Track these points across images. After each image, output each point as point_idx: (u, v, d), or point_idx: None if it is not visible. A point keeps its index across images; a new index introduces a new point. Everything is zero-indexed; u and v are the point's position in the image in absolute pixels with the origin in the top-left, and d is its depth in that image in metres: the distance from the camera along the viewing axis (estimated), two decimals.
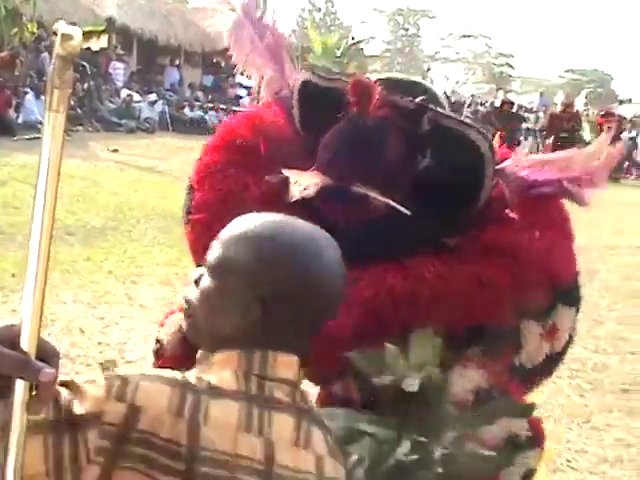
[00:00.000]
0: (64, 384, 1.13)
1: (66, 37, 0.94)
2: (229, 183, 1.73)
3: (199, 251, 1.63)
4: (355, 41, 26.14)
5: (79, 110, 15.65)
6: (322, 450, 1.26)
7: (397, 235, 1.61)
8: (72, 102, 16.43)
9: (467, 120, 1.74)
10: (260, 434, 1.18)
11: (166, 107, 19.06)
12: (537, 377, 1.76)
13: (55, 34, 0.96)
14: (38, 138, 13.77)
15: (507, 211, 1.68)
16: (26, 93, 14.92)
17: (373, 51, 39.27)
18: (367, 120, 1.66)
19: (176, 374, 1.20)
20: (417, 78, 1.93)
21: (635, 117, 26.35)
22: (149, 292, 5.74)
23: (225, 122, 1.91)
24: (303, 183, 1.60)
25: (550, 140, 21.20)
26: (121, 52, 20.60)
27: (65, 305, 5.21)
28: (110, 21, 19.69)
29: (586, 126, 22.40)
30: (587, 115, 25.44)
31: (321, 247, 1.28)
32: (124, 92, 18.59)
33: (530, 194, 1.67)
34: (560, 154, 1.78)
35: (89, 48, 19.61)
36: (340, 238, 1.35)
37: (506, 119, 21.69)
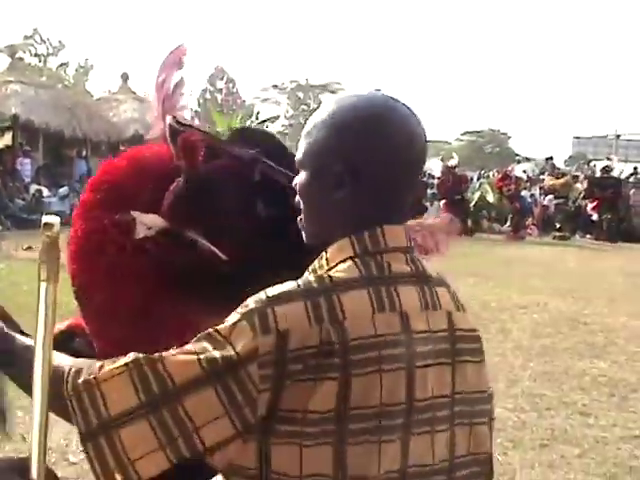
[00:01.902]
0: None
1: (48, 225, 1.21)
2: (91, 223, 1.76)
3: (73, 278, 1.74)
4: (259, 121, 26.64)
5: None
6: (450, 306, 1.39)
7: (239, 280, 1.65)
8: None
9: (290, 173, 1.85)
10: (393, 310, 1.29)
11: (76, 200, 19.04)
12: None
13: None
14: None
15: None
16: None
17: (276, 128, 39.99)
18: (200, 170, 1.74)
19: (298, 283, 1.29)
20: (270, 130, 2.05)
21: (534, 175, 27.51)
22: None
23: (105, 161, 1.93)
24: (147, 223, 1.70)
25: (442, 203, 21.97)
26: (28, 148, 20.56)
27: None
28: (14, 118, 19.71)
29: (487, 188, 23.26)
30: (487, 177, 26.42)
31: (402, 114, 1.37)
32: (33, 187, 18.55)
33: None
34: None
35: None
36: (177, 279, 1.58)
37: None
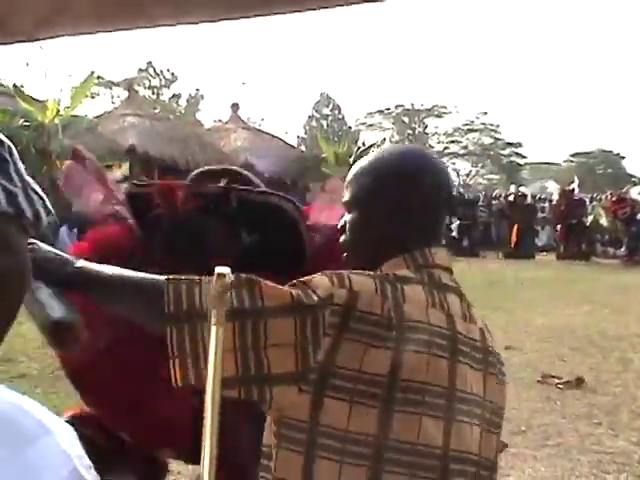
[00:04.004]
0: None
1: (221, 275, 1.29)
2: None
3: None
4: (366, 147, 26.77)
5: None
6: (481, 324, 1.58)
7: None
8: None
9: (267, 189, 1.95)
10: (442, 309, 1.48)
11: None
12: None
13: None
14: None
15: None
16: (60, 226, 15.44)
17: None
18: (179, 215, 1.84)
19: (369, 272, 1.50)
20: (226, 165, 2.11)
21: None
22: None
23: (75, 245, 2.06)
24: None
25: (558, 228, 21.57)
26: (144, 178, 21.19)
27: None
28: (132, 149, 20.47)
29: (601, 211, 22.71)
30: (600, 200, 25.75)
31: (436, 162, 1.65)
32: None
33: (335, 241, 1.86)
34: (333, 189, 2.01)
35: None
36: None
37: (520, 212, 22.13)
